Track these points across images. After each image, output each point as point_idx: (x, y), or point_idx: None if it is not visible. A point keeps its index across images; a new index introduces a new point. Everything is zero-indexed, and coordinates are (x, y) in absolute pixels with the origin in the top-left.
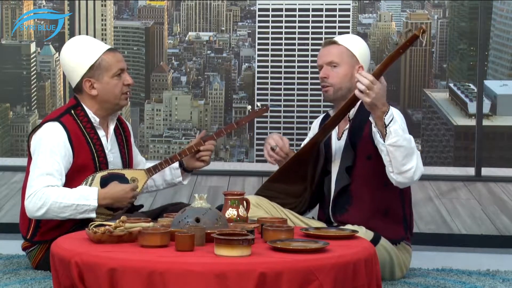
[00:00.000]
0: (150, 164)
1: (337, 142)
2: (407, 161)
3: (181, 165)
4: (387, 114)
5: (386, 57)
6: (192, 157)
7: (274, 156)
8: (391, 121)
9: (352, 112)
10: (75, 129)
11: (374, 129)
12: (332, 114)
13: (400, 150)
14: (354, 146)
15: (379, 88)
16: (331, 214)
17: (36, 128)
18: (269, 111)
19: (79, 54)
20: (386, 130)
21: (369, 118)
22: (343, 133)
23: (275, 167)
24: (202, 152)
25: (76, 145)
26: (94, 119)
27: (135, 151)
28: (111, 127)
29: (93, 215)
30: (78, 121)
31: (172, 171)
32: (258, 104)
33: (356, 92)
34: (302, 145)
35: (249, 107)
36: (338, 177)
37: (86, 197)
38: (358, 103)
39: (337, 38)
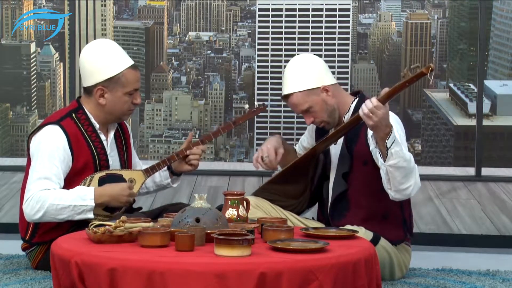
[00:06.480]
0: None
1: (334, 147)
2: (406, 180)
3: (169, 168)
4: (389, 137)
5: (392, 87)
6: (181, 161)
7: (261, 164)
8: (393, 143)
9: (347, 117)
10: (76, 132)
11: (374, 147)
12: None
13: (399, 171)
14: (350, 151)
15: (383, 113)
16: (329, 219)
17: (36, 130)
18: (268, 111)
19: (103, 61)
20: (387, 152)
21: (370, 136)
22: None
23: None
24: (190, 155)
25: (76, 148)
26: (95, 123)
27: (133, 153)
28: (111, 132)
29: (91, 215)
30: (79, 124)
31: (161, 173)
32: (256, 103)
33: (360, 112)
34: (299, 142)
35: (246, 106)
36: (335, 183)
37: (83, 197)
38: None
39: (287, 88)
